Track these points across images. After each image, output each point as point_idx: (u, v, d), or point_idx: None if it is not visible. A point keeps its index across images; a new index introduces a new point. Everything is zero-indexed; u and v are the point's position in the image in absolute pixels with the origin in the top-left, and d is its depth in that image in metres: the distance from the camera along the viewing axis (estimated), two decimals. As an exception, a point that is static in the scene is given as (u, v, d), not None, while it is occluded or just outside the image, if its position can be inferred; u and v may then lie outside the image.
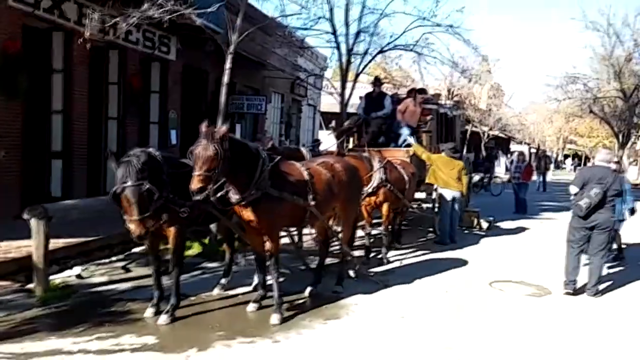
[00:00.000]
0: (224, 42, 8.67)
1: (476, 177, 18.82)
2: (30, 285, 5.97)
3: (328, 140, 18.85)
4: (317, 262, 6.39)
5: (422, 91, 10.23)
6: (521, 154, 15.83)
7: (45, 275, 5.84)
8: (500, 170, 30.25)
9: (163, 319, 5.02)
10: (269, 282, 5.50)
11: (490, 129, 35.93)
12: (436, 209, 9.55)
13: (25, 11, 8.60)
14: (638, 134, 32.28)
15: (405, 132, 9.10)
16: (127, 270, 7.06)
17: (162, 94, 12.87)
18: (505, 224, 11.56)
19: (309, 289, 5.94)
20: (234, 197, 4.86)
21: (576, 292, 6.31)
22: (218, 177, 4.59)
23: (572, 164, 54.73)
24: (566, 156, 62.42)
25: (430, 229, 9.88)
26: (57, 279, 6.29)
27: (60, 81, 9.88)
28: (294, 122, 20.99)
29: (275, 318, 5.11)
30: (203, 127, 4.61)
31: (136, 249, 8.11)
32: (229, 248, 6.28)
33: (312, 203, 5.28)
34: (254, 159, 4.89)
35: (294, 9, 13.24)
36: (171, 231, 5.05)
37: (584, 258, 6.43)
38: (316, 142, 17.13)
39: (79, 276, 6.66)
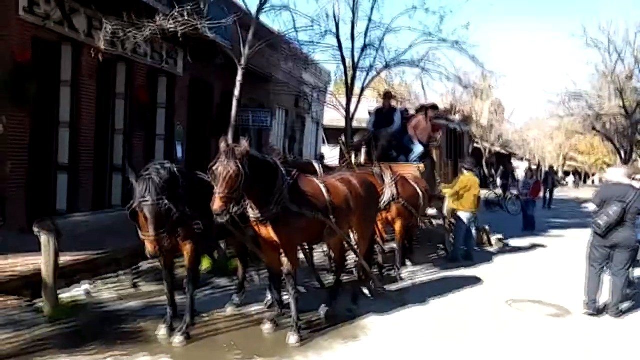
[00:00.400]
0: (236, 56, 8.60)
1: (492, 195, 18.24)
2: (38, 302, 5.83)
3: (331, 155, 18.77)
4: (332, 280, 6.25)
5: (434, 107, 10.18)
6: (529, 170, 15.75)
7: (55, 292, 5.68)
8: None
9: (178, 338, 4.87)
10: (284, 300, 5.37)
11: (492, 145, 35.96)
12: (447, 226, 9.44)
13: (35, 24, 8.55)
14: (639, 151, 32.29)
15: (417, 148, 9.01)
16: (136, 287, 6.92)
17: (169, 107, 12.79)
18: (514, 241, 11.41)
19: (324, 309, 5.77)
20: (252, 213, 4.73)
21: (597, 312, 6.16)
22: (239, 196, 4.48)
23: (574, 181, 54.68)
24: (566, 173, 62.41)
25: (440, 245, 9.76)
26: (64, 295, 6.13)
27: (68, 93, 9.79)
28: (297, 136, 20.93)
29: (293, 338, 4.96)
30: (223, 144, 4.51)
31: (143, 264, 8.00)
32: (242, 264, 6.15)
33: (332, 218, 5.17)
34: (273, 174, 4.78)
35: (299, 23, 13.12)
36: (187, 246, 4.93)
37: (605, 277, 6.28)
38: (321, 157, 17.05)
39: (87, 293, 6.50)
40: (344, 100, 15.16)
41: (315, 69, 20.15)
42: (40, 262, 6.39)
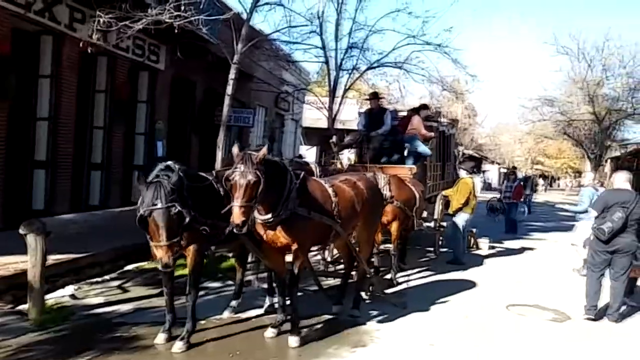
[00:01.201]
0: (225, 52, 8.34)
1: (495, 200, 17.32)
2: (23, 307, 5.49)
3: (308, 154, 18.62)
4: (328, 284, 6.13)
5: (425, 107, 10.12)
6: (512, 173, 15.88)
7: (42, 296, 5.38)
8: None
9: (178, 346, 4.62)
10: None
11: (465, 148, 36.40)
12: (438, 229, 9.40)
13: (16, 12, 8.11)
14: (606, 156, 33.04)
15: (423, 148, 8.90)
16: (124, 290, 6.62)
17: (150, 104, 12.41)
18: (500, 245, 11.47)
19: (337, 307, 5.76)
20: (260, 217, 4.51)
21: (597, 317, 6.15)
22: (256, 203, 4.29)
23: (542, 184, 55.87)
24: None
25: (430, 248, 9.71)
26: (49, 299, 5.80)
27: (48, 87, 9.37)
28: (277, 136, 20.68)
29: (293, 340, 4.82)
30: (236, 150, 4.29)
31: (129, 267, 7.69)
32: (241, 268, 5.93)
33: (339, 222, 5.01)
34: (283, 176, 4.59)
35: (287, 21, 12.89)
36: (190, 250, 4.69)
37: (604, 282, 6.27)
38: (299, 157, 16.87)
39: (73, 296, 6.19)
40: (325, 100, 15.04)
41: (295, 68, 19.96)
42: (20, 263, 6.12)
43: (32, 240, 5.24)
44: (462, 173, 9.46)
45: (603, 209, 6.03)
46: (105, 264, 7.51)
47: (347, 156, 11.36)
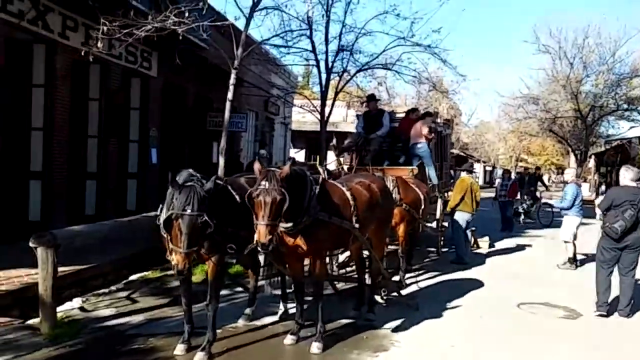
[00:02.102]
0: (225, 58, 8.27)
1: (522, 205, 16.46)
2: (33, 321, 5.38)
3: (297, 158, 18.53)
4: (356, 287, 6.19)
5: (429, 114, 10.17)
6: (507, 172, 16.00)
7: (54, 310, 5.27)
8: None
9: (200, 356, 4.54)
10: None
11: (452, 147, 36.68)
12: (442, 229, 9.45)
13: (9, 21, 7.96)
14: (591, 152, 33.52)
15: (425, 150, 8.95)
16: (133, 301, 6.52)
17: (143, 111, 12.28)
18: (498, 243, 11.54)
19: (354, 313, 5.79)
20: (282, 225, 4.45)
21: (608, 313, 6.22)
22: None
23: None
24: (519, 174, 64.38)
25: (432, 249, 9.74)
26: (58, 312, 5.67)
27: (42, 96, 9.21)
28: (267, 140, 20.60)
29: (315, 347, 4.79)
30: (258, 166, 4.24)
31: (133, 277, 7.59)
32: (254, 275, 5.87)
33: (357, 226, 4.99)
34: (303, 183, 4.56)
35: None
36: (211, 259, 4.62)
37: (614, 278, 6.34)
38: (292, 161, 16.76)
39: (82, 309, 6.07)
40: (315, 102, 15.02)
41: (284, 71, 19.92)
42: (24, 277, 6.06)
43: (42, 253, 5.13)
44: (463, 174, 9.55)
45: (609, 207, 6.10)
46: (109, 275, 7.42)
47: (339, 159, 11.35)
